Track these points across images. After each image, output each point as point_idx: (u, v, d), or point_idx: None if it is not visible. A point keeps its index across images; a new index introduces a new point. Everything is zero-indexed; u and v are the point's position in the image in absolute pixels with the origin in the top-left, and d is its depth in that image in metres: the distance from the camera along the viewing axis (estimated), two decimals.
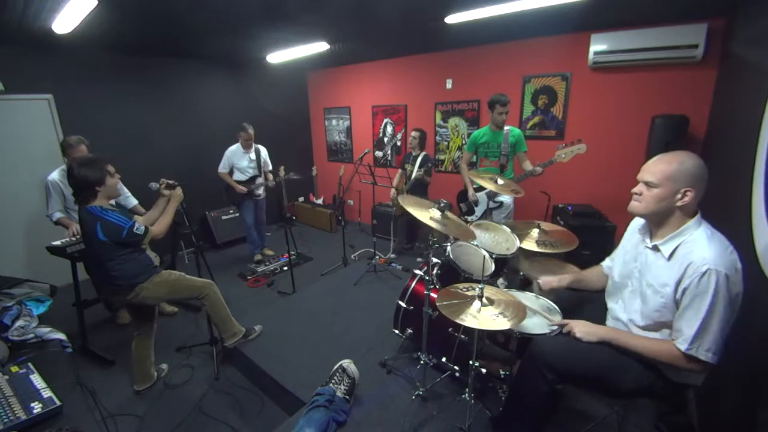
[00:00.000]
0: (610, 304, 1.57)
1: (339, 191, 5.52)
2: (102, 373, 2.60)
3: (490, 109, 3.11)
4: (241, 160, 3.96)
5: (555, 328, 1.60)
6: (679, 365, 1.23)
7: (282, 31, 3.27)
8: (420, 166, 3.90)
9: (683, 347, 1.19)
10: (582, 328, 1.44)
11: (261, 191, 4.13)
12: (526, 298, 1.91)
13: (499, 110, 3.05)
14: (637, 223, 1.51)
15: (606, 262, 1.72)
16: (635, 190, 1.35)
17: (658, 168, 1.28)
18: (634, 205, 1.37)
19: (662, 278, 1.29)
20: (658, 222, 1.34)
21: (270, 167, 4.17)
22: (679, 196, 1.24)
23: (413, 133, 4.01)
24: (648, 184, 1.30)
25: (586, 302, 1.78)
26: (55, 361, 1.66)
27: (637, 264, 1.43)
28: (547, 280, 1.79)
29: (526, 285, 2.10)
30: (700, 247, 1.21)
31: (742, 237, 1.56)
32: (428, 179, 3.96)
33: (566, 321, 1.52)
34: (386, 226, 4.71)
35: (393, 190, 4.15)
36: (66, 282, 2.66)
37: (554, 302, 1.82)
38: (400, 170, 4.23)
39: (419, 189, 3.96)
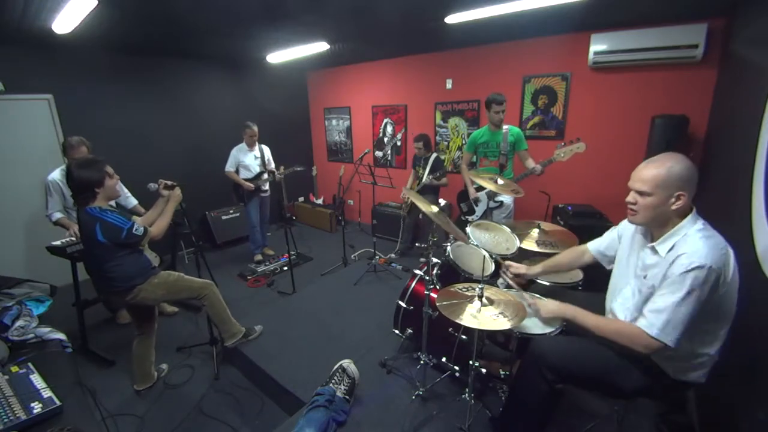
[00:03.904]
0: (610, 304, 1.56)
1: (339, 191, 5.53)
2: (102, 373, 2.60)
3: (487, 108, 3.12)
4: (247, 158, 4.02)
5: (560, 327, 1.60)
6: (637, 345, 1.25)
7: (282, 31, 3.27)
8: (431, 170, 3.89)
9: (652, 332, 1.20)
10: (542, 307, 1.55)
11: (267, 186, 4.20)
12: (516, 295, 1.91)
13: (496, 109, 3.06)
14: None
15: (595, 246, 1.73)
16: (629, 199, 1.35)
17: (648, 175, 1.28)
18: (631, 218, 1.38)
19: (657, 274, 1.29)
20: (657, 226, 1.34)
21: (273, 166, 4.22)
22: (672, 200, 1.25)
23: (417, 144, 3.96)
24: (640, 193, 1.30)
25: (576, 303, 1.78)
26: (55, 361, 1.66)
27: (639, 263, 1.43)
28: (514, 265, 1.86)
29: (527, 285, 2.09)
30: (691, 243, 1.21)
31: (742, 237, 1.56)
32: (444, 181, 3.91)
33: (529, 299, 1.61)
34: (386, 226, 4.72)
35: (404, 190, 4.15)
36: (66, 282, 2.66)
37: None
38: (412, 171, 4.24)
39: (430, 191, 3.95)
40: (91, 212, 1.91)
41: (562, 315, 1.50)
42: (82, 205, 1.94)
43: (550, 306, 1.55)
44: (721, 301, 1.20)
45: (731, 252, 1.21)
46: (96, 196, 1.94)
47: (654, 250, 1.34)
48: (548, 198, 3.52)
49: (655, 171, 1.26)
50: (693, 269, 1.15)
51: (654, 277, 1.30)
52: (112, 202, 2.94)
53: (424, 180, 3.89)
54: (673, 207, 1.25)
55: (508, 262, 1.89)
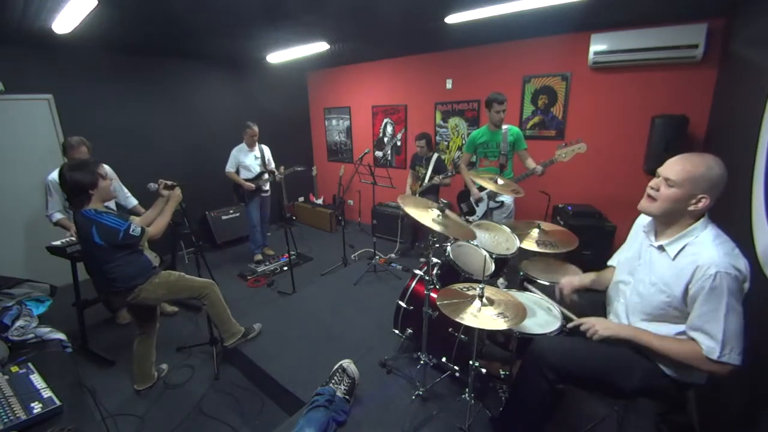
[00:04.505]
0: (612, 302, 1.56)
1: (339, 191, 5.53)
2: (102, 373, 2.60)
3: (488, 108, 3.11)
4: (247, 158, 4.02)
5: (560, 328, 1.59)
6: (704, 368, 1.21)
7: (282, 31, 3.27)
8: (436, 171, 3.87)
9: (714, 356, 1.15)
10: (603, 324, 1.38)
11: (267, 186, 4.20)
12: (527, 298, 1.91)
13: (497, 108, 3.05)
14: (643, 220, 1.50)
15: (612, 260, 1.71)
16: (653, 184, 1.31)
17: (684, 167, 1.22)
18: (645, 204, 1.34)
19: (666, 277, 1.28)
20: (666, 222, 1.32)
21: (273, 166, 4.23)
22: (693, 201, 1.22)
23: (419, 142, 3.94)
24: (668, 181, 1.25)
25: (586, 304, 1.78)
26: (55, 361, 1.65)
27: (641, 261, 1.42)
28: (568, 280, 1.71)
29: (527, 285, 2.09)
30: (706, 248, 1.19)
31: (742, 237, 1.56)
32: (447, 181, 3.88)
33: (584, 320, 1.44)
34: (386, 226, 4.71)
35: (408, 191, 4.16)
36: (66, 282, 2.66)
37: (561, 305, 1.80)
38: (411, 171, 4.21)
39: (432, 191, 3.94)
40: (86, 215, 1.90)
41: (621, 335, 1.35)
42: (77, 207, 1.93)
43: (613, 326, 1.40)
44: None
45: (743, 256, 1.20)
46: (90, 198, 1.93)
47: (661, 249, 1.32)
48: (548, 198, 3.52)
49: (693, 165, 1.21)
50: (717, 280, 1.13)
51: (666, 283, 1.27)
52: (112, 204, 2.95)
53: (430, 180, 3.87)
54: (690, 207, 1.23)
55: (562, 283, 1.71)
